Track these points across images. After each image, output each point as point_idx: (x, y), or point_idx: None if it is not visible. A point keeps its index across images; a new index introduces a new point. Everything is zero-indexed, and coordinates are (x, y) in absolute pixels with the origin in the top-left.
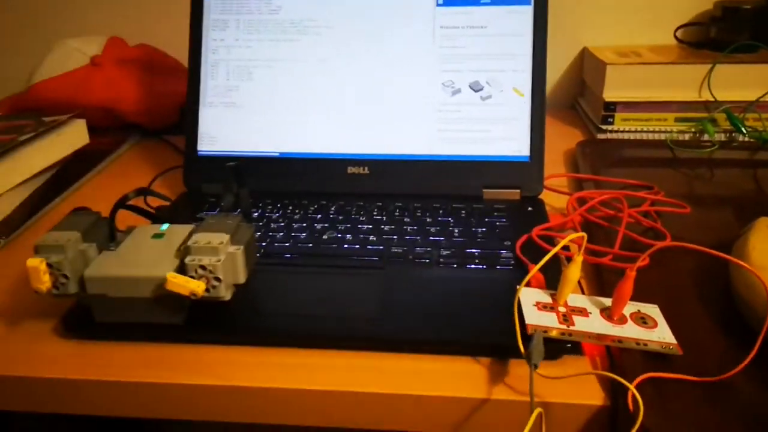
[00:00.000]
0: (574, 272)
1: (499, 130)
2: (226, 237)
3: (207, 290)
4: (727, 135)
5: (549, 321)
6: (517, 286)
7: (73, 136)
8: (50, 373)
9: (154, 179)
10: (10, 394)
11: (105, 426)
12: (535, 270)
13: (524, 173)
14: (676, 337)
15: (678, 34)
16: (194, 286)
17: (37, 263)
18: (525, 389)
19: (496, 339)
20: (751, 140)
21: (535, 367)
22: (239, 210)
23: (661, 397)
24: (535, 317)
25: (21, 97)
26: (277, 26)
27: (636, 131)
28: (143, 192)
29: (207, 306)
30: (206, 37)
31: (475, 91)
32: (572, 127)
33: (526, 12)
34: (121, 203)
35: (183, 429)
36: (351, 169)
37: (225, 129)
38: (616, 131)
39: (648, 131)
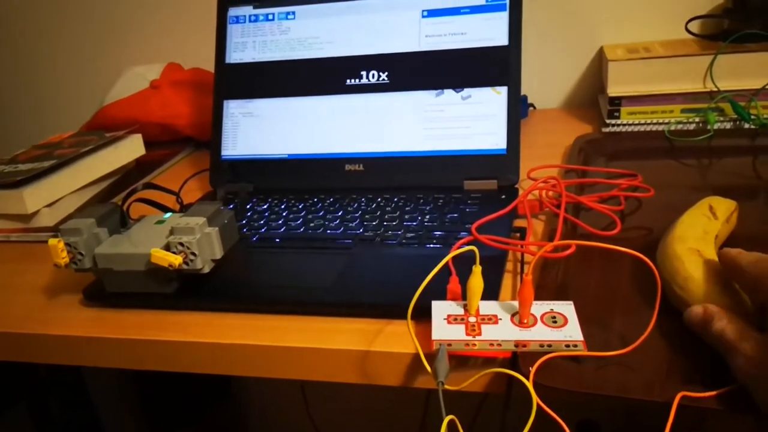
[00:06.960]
0: (475, 283)
1: (479, 126)
2: (202, 220)
3: (186, 263)
4: (734, 124)
5: (456, 333)
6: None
7: (130, 148)
8: (74, 333)
9: (186, 181)
10: (47, 349)
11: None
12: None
13: (501, 165)
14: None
15: (693, 28)
16: (172, 259)
17: (55, 242)
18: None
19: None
20: (755, 127)
21: (442, 384)
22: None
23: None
24: (441, 331)
25: (93, 119)
26: (287, 44)
27: (642, 124)
28: (150, 186)
29: (194, 278)
30: (228, 58)
31: (457, 91)
32: (588, 123)
33: (502, 17)
34: (129, 195)
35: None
36: (348, 167)
37: (243, 136)
38: (623, 124)
39: (654, 123)
